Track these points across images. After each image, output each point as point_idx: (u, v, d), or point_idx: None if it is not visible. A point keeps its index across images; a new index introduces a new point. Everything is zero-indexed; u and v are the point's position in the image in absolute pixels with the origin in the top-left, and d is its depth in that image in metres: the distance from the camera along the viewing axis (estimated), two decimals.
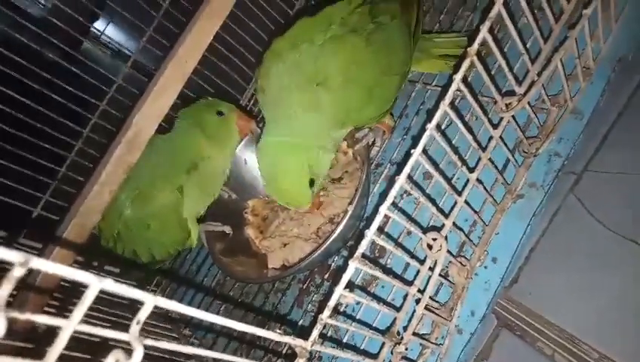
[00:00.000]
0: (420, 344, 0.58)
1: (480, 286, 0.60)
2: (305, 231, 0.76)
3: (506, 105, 0.51)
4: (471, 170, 0.51)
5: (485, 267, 0.60)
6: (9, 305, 0.18)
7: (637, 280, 0.59)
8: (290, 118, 0.62)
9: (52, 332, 0.21)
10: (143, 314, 0.23)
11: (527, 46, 0.61)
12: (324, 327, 0.39)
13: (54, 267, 0.20)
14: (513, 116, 0.53)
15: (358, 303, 0.68)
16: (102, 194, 0.51)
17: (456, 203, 0.50)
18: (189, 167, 0.75)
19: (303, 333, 0.36)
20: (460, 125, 0.46)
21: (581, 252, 0.63)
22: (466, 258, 0.60)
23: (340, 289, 0.39)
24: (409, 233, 0.68)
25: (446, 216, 0.50)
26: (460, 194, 0.50)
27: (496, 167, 0.56)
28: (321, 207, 0.75)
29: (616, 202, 0.63)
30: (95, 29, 1.01)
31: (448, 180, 0.52)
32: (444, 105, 0.42)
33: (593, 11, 0.50)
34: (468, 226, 0.64)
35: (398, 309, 0.49)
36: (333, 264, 0.76)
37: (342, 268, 0.69)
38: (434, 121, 0.42)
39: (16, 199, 0.79)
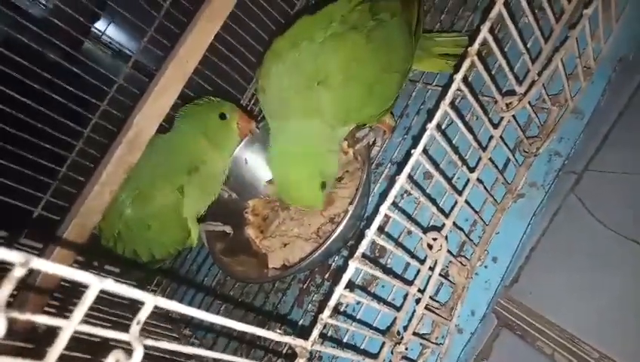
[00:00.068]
0: (420, 343, 0.58)
1: (480, 286, 0.60)
2: (305, 230, 0.76)
3: (507, 104, 0.51)
4: (471, 170, 0.51)
5: (485, 266, 0.60)
6: (9, 305, 0.18)
7: (637, 280, 0.59)
8: (297, 125, 0.63)
9: (52, 333, 0.21)
10: (143, 315, 0.23)
11: (528, 46, 0.61)
12: (325, 327, 0.39)
13: (55, 267, 0.20)
14: (514, 116, 0.53)
15: (358, 303, 0.68)
16: (102, 194, 0.51)
17: (456, 202, 0.50)
18: (190, 168, 0.75)
19: (303, 333, 0.37)
20: (461, 125, 0.46)
21: (582, 251, 0.63)
22: (466, 257, 0.60)
23: (340, 289, 0.39)
24: (409, 233, 0.68)
25: (446, 215, 0.50)
26: (460, 193, 0.50)
27: (496, 167, 0.56)
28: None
29: (617, 202, 0.63)
30: (96, 29, 1.01)
31: (449, 180, 0.52)
32: (445, 105, 0.42)
33: (594, 11, 0.50)
34: (468, 226, 0.64)
35: (398, 309, 0.49)
36: (333, 264, 0.76)
37: (342, 268, 0.69)
38: (434, 121, 0.42)
39: (16, 199, 0.80)
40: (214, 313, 0.27)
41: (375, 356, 0.48)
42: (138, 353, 0.22)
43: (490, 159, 0.53)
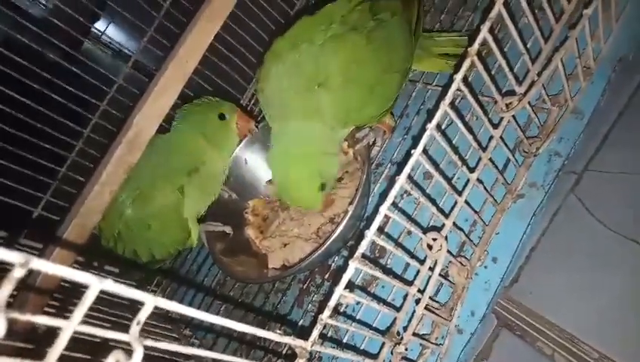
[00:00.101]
0: (420, 344, 0.58)
1: (480, 286, 0.60)
2: (305, 231, 0.76)
3: (507, 105, 0.51)
4: (471, 170, 0.51)
5: (485, 267, 0.60)
6: (9, 305, 0.18)
7: (637, 280, 0.59)
8: (297, 126, 0.63)
9: (52, 333, 0.21)
10: (143, 315, 0.23)
11: (528, 46, 0.61)
12: (324, 327, 0.39)
13: (54, 268, 0.20)
14: (513, 116, 0.53)
15: (358, 303, 0.68)
16: (102, 194, 0.51)
17: (456, 203, 0.50)
18: (190, 169, 0.75)
19: (303, 333, 0.36)
20: (461, 125, 0.46)
21: (581, 252, 0.63)
22: (466, 258, 0.60)
23: (339, 290, 0.39)
24: (409, 233, 0.68)
25: (446, 216, 0.50)
26: (460, 194, 0.50)
27: (496, 167, 0.56)
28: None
29: (617, 202, 0.63)
30: (96, 29, 1.01)
31: (448, 180, 0.52)
32: (445, 105, 0.42)
33: (594, 11, 0.50)
34: (468, 226, 0.64)
35: (398, 309, 0.49)
36: (333, 264, 0.76)
37: (342, 268, 0.69)
38: (434, 121, 0.42)
39: (16, 199, 0.80)
40: (214, 313, 0.27)
41: (375, 356, 0.48)
42: (138, 353, 0.22)
43: (490, 159, 0.53)
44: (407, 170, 0.41)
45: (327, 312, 0.38)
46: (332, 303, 0.39)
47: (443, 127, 0.70)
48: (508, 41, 0.69)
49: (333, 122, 0.63)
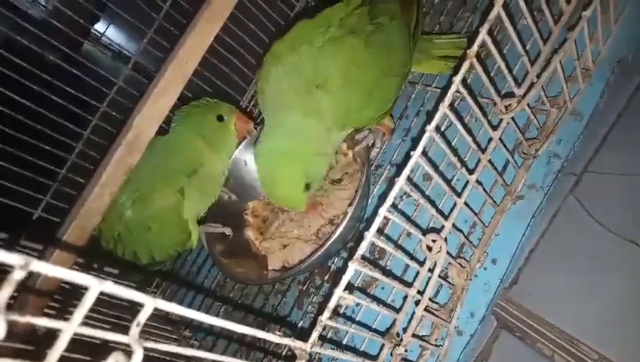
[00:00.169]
0: (420, 345, 0.58)
1: (479, 288, 0.60)
2: (305, 232, 0.76)
3: (506, 106, 0.51)
4: (470, 172, 0.51)
5: (485, 268, 0.60)
6: (9, 307, 0.18)
7: (637, 281, 0.59)
8: (289, 124, 0.63)
9: (52, 334, 0.21)
10: (142, 317, 0.23)
11: (527, 48, 0.61)
12: (324, 329, 0.39)
13: (54, 270, 0.20)
14: (513, 118, 0.53)
15: (357, 305, 0.68)
16: (102, 195, 0.51)
17: (455, 204, 0.50)
18: (189, 171, 0.75)
19: (303, 335, 0.37)
20: (460, 127, 0.46)
21: (581, 253, 0.63)
22: (465, 259, 0.60)
23: (339, 291, 0.39)
24: (409, 234, 0.68)
25: (446, 217, 0.50)
26: (459, 195, 0.50)
27: (495, 169, 0.56)
28: (321, 209, 0.75)
29: (616, 203, 0.63)
30: (96, 30, 1.01)
31: (448, 182, 0.52)
32: (444, 107, 0.42)
33: (592, 13, 0.50)
34: (467, 227, 0.64)
35: (397, 311, 0.49)
36: (333, 265, 0.76)
37: (342, 270, 0.69)
38: (433, 123, 0.42)
39: (17, 201, 0.80)
40: (214, 314, 0.27)
41: (375, 358, 0.48)
42: (138, 355, 0.22)
43: (489, 161, 0.53)
44: (406, 171, 0.41)
45: (326, 314, 0.38)
46: (331, 305, 0.39)
47: (442, 128, 0.70)
48: (507, 43, 0.69)
49: (331, 123, 0.63)
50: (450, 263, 0.57)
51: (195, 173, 0.75)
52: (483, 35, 0.42)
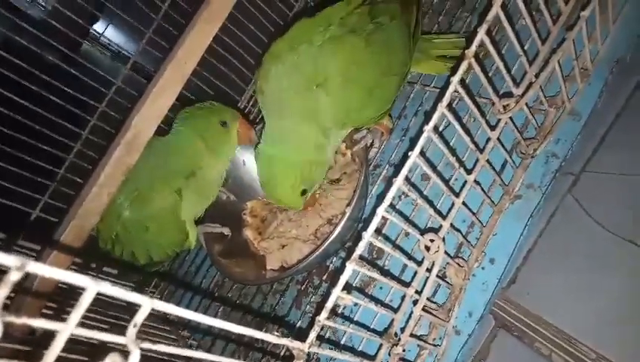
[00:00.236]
0: (418, 345, 0.58)
1: (477, 287, 0.60)
2: (303, 232, 0.76)
3: (504, 106, 0.51)
4: (468, 172, 0.51)
5: (483, 268, 0.60)
6: (6, 308, 0.18)
7: (635, 281, 0.59)
8: (290, 129, 0.64)
9: (50, 335, 0.21)
10: (139, 318, 0.23)
11: (525, 48, 0.61)
12: (322, 329, 0.39)
13: (51, 271, 0.20)
14: (511, 117, 0.53)
15: (355, 304, 0.68)
16: (100, 196, 0.51)
17: (453, 204, 0.50)
18: (188, 174, 0.75)
19: (301, 335, 0.37)
20: (458, 127, 0.46)
21: (579, 252, 0.64)
22: (463, 259, 0.60)
23: (337, 291, 0.39)
24: (407, 234, 0.68)
25: (444, 217, 0.50)
26: (457, 195, 0.50)
27: (493, 169, 0.56)
28: (320, 209, 0.75)
29: (614, 203, 0.63)
30: (95, 30, 1.01)
31: (446, 181, 0.52)
32: (442, 107, 0.42)
33: (591, 13, 0.50)
34: (466, 227, 0.64)
35: (395, 310, 0.49)
36: (331, 265, 0.76)
37: (340, 270, 0.69)
38: (431, 123, 0.42)
39: (15, 201, 0.80)
40: (212, 314, 0.27)
41: (373, 357, 0.48)
42: (134, 356, 0.22)
43: (487, 161, 0.53)
44: (404, 171, 0.41)
45: (324, 314, 0.39)
46: (329, 305, 0.39)
47: (440, 128, 0.70)
48: (505, 43, 0.69)
49: (330, 123, 0.63)
50: (448, 263, 0.57)
51: (192, 175, 0.75)
52: (481, 35, 0.42)
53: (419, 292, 0.49)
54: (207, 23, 0.51)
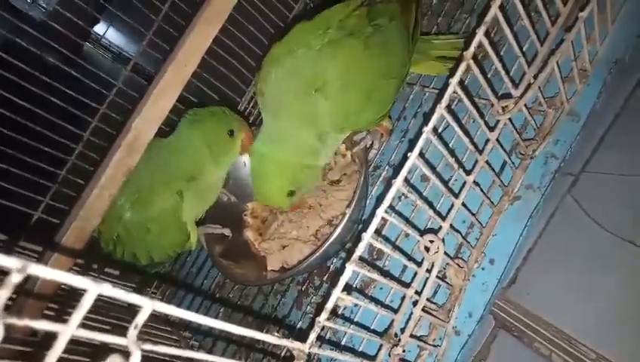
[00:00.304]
0: (418, 345, 0.59)
1: (477, 288, 0.60)
2: (304, 233, 0.76)
3: (503, 107, 0.51)
4: (468, 173, 0.51)
5: (483, 268, 0.60)
6: (7, 309, 0.19)
7: (634, 281, 0.59)
8: (286, 131, 0.64)
9: (51, 336, 0.21)
10: (140, 319, 0.23)
11: (524, 49, 0.61)
12: (322, 330, 0.39)
13: (52, 273, 0.20)
14: (510, 118, 0.53)
15: (356, 305, 0.68)
16: (102, 197, 0.51)
17: (453, 205, 0.50)
18: (189, 177, 0.75)
19: (302, 336, 0.37)
20: (457, 128, 0.46)
21: (578, 253, 0.64)
22: (463, 259, 0.60)
23: (337, 292, 0.39)
24: (407, 235, 0.68)
25: (443, 218, 0.50)
26: (457, 196, 0.50)
27: (493, 169, 0.56)
28: (320, 210, 0.76)
29: (614, 203, 0.63)
30: (95, 32, 1.01)
31: (445, 183, 0.52)
32: (441, 109, 0.42)
33: (589, 14, 0.50)
34: (465, 228, 0.64)
35: (395, 311, 0.49)
36: (331, 266, 0.76)
37: (340, 271, 0.69)
38: (430, 124, 0.42)
39: (16, 202, 0.80)
40: (213, 316, 0.27)
41: (373, 358, 0.48)
42: (135, 357, 0.23)
43: (486, 162, 0.53)
44: (403, 173, 0.42)
45: (324, 315, 0.39)
46: (329, 306, 0.39)
47: (440, 129, 0.70)
48: (504, 44, 0.70)
49: (329, 127, 0.63)
50: (448, 263, 0.57)
51: (193, 179, 0.75)
52: (480, 36, 0.42)
53: (419, 293, 0.49)
54: (207, 25, 0.51)
